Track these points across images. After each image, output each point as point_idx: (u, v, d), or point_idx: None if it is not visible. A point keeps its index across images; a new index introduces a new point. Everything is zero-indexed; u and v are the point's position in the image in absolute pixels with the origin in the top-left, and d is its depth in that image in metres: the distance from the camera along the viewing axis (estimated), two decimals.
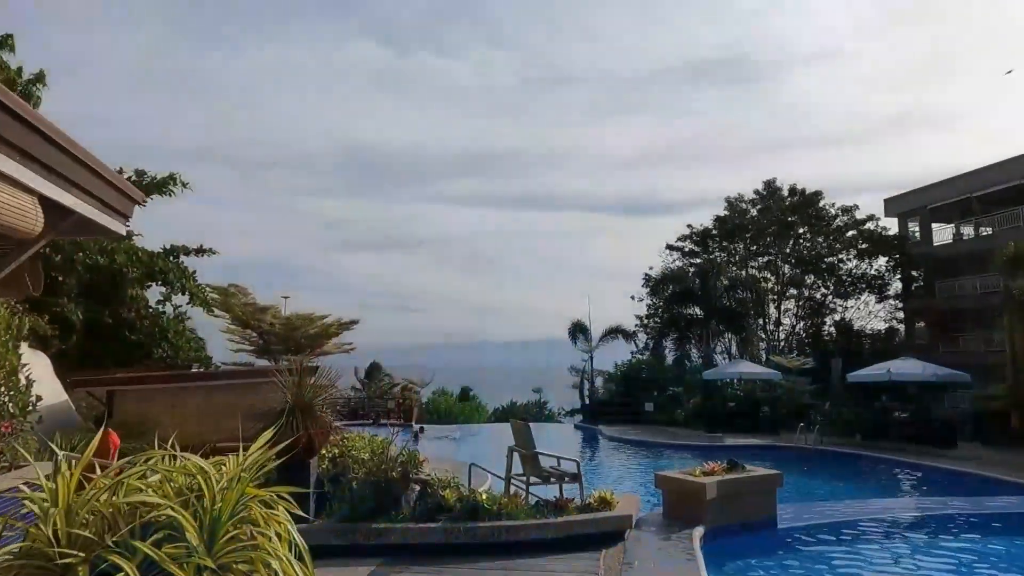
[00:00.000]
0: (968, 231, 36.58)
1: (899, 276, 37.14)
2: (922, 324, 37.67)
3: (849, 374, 22.52)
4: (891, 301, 36.68)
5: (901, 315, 37.45)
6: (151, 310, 19.79)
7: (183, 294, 20.18)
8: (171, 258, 20.76)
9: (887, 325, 36.76)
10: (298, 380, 6.62)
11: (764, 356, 30.47)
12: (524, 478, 8.45)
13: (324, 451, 7.30)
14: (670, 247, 39.25)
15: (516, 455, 8.98)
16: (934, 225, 37.40)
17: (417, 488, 7.00)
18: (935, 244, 36.75)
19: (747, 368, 25.75)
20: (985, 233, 35.32)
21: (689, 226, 39.47)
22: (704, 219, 39.27)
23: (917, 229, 37.99)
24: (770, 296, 36.00)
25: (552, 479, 8.49)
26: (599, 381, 32.37)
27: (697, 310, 30.44)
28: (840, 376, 23.74)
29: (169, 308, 20.37)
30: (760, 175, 43.02)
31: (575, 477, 8.40)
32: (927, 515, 9.73)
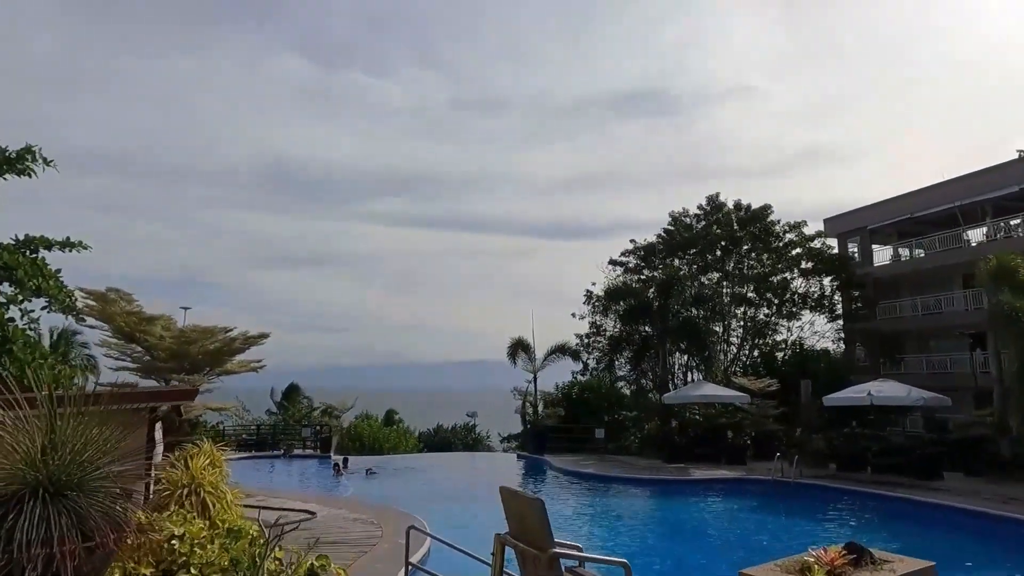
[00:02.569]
0: (905, 252, 36.52)
1: (839, 296, 36.48)
2: (859, 344, 37.10)
3: (826, 397, 20.66)
4: (839, 321, 35.92)
5: (843, 336, 36.74)
6: None
7: (38, 296, 15.91)
8: (25, 252, 16.44)
9: (823, 347, 35.89)
10: (49, 424, 3.13)
11: (721, 377, 28.50)
12: None
13: (118, 572, 3.41)
14: (613, 262, 37.36)
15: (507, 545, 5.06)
16: (874, 246, 37.14)
17: None
18: (876, 264, 36.42)
19: (712, 390, 23.50)
20: (919, 255, 35.34)
21: (632, 241, 37.80)
22: (627, 244, 37.74)
23: (856, 250, 37.70)
24: (723, 315, 34.47)
25: None
26: (540, 405, 29.50)
27: (648, 328, 28.20)
28: (809, 398, 21.90)
29: (15, 312, 16.01)
30: (683, 203, 41.91)
31: None
32: None
